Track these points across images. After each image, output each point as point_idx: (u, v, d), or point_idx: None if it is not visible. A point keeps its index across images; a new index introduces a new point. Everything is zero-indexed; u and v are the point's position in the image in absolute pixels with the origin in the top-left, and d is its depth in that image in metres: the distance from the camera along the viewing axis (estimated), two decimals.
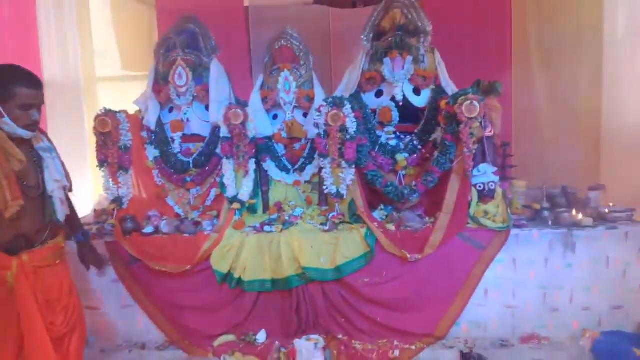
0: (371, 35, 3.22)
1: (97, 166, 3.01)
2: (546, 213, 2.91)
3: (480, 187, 2.90)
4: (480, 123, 2.84)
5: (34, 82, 2.10)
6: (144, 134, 3.33)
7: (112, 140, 2.95)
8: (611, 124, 3.67)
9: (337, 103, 2.87)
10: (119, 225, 2.92)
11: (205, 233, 2.91)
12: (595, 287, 2.78)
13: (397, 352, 2.73)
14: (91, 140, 3.86)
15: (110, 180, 3.00)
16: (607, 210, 2.90)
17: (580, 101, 3.92)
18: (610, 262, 2.77)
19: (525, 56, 4.20)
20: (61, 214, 2.26)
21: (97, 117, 2.95)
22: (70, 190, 2.38)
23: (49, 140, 2.27)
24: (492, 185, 2.89)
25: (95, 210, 3.30)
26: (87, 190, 4.10)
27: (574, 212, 2.87)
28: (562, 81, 4.02)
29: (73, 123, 4.27)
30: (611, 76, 3.66)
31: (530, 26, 4.16)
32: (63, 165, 2.34)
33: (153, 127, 3.32)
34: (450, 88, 3.14)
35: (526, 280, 2.79)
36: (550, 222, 2.86)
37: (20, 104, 2.04)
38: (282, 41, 3.30)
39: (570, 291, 2.79)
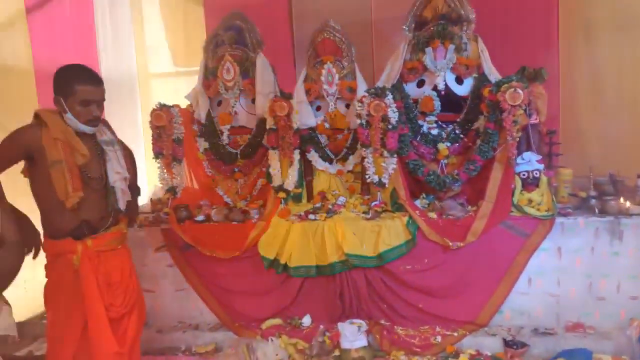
0: (413, 25, 3.23)
1: (153, 158, 3.20)
2: (593, 201, 2.86)
3: (524, 175, 2.89)
4: (525, 110, 2.82)
5: (93, 79, 2.22)
6: (195, 127, 3.50)
7: (167, 134, 3.12)
8: None
9: (378, 93, 2.92)
10: (173, 214, 3.11)
11: (253, 221, 3.05)
12: None
13: (439, 338, 2.78)
14: (145, 134, 4.11)
15: (165, 171, 3.18)
16: None
17: (629, 86, 3.79)
18: None
19: (573, 40, 4.06)
20: (122, 203, 2.40)
21: (153, 111, 3.13)
22: (135, 183, 2.52)
23: (113, 133, 2.42)
24: (536, 174, 2.87)
25: (151, 200, 3.51)
26: (143, 181, 4.35)
27: (621, 199, 2.81)
28: (610, 66, 3.89)
29: (128, 117, 4.54)
30: None
31: (579, 8, 4.02)
32: (131, 156, 2.49)
33: (203, 120, 3.48)
34: (494, 76, 3.12)
35: (571, 269, 2.77)
36: (596, 211, 2.81)
37: (80, 100, 2.15)
38: (325, 34, 3.36)
39: (617, 280, 2.75)
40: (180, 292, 3.13)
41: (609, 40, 3.85)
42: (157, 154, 3.16)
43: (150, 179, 4.24)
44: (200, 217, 3.13)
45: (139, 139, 4.48)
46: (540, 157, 2.93)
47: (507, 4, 3.99)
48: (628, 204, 2.78)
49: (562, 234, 2.77)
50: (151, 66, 4.95)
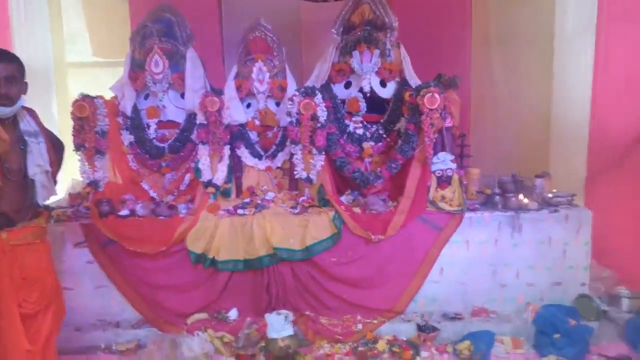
0: (341, 28, 3.38)
1: (74, 150, 3.07)
2: (497, 198, 3.16)
3: (438, 173, 3.13)
4: (440, 114, 3.05)
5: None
6: (120, 119, 3.39)
7: (90, 125, 3.01)
8: (560, 116, 3.94)
9: (308, 93, 3.04)
10: (94, 208, 3.00)
11: (181, 216, 3.03)
12: (539, 264, 3.05)
13: (360, 326, 2.94)
14: (60, 126, 3.90)
15: (87, 164, 3.06)
16: (550, 195, 3.19)
17: (533, 95, 4.19)
18: (552, 242, 3.04)
19: (484, 51, 4.44)
20: (42, 197, 2.32)
21: (75, 102, 3.01)
22: (54, 177, 2.42)
23: (38, 124, 2.32)
24: (449, 172, 3.12)
25: (69, 194, 3.36)
26: (60, 175, 4.13)
27: (520, 196, 3.14)
28: (517, 75, 4.29)
29: (42, 108, 4.24)
30: (561, 71, 3.90)
31: (489, 21, 4.40)
32: (58, 149, 2.39)
33: (129, 113, 3.39)
34: (414, 81, 3.35)
35: (478, 259, 3.04)
36: (500, 206, 3.12)
37: None
38: (257, 32, 3.42)
39: (516, 268, 3.06)
40: (100, 289, 3.03)
41: (516, 53, 4.25)
42: (79, 146, 3.05)
43: (67, 173, 4.05)
44: (124, 212, 3.05)
45: (53, 130, 4.24)
46: (453, 157, 3.20)
47: (427, 15, 4.27)
48: (526, 200, 3.11)
49: (470, 227, 3.03)
50: (69, 56, 4.70)
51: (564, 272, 3.06)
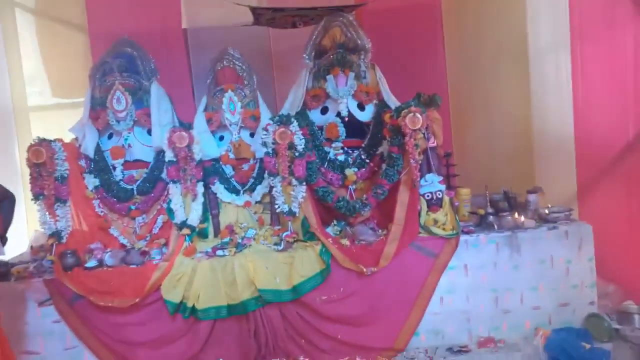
0: (313, 53, 3.28)
1: (32, 199, 2.82)
2: (491, 218, 3.02)
3: (428, 196, 2.97)
4: (424, 134, 2.93)
5: None
6: (83, 162, 3.16)
7: (48, 171, 2.79)
8: (541, 130, 3.92)
9: (284, 121, 2.88)
10: (58, 261, 2.76)
11: (154, 262, 2.80)
12: (542, 286, 2.90)
13: None
14: (24, 173, 3.64)
15: (47, 213, 2.82)
16: (547, 212, 3.05)
17: (512, 109, 4.15)
18: (554, 260, 2.90)
19: (459, 69, 4.40)
20: None
21: (30, 147, 2.80)
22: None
23: None
24: (439, 194, 2.97)
25: (32, 247, 3.09)
26: (22, 226, 3.84)
27: (516, 215, 2.99)
28: (494, 91, 4.25)
29: (4, 155, 4.02)
30: (538, 86, 3.92)
31: (461, 40, 4.37)
32: (10, 202, 2.14)
33: (92, 155, 3.17)
34: (392, 102, 3.23)
35: (478, 284, 2.87)
36: (495, 227, 2.97)
37: None
38: (224, 62, 3.27)
39: (519, 292, 2.89)
40: (70, 350, 2.77)
41: (490, 70, 4.21)
42: (37, 195, 2.80)
43: (30, 224, 3.77)
44: (91, 263, 2.80)
45: (16, 178, 3.96)
46: (441, 178, 3.05)
47: (399, 35, 4.22)
48: (522, 218, 2.97)
49: (467, 251, 2.87)
50: (30, 98, 4.45)
51: (569, 292, 2.91)
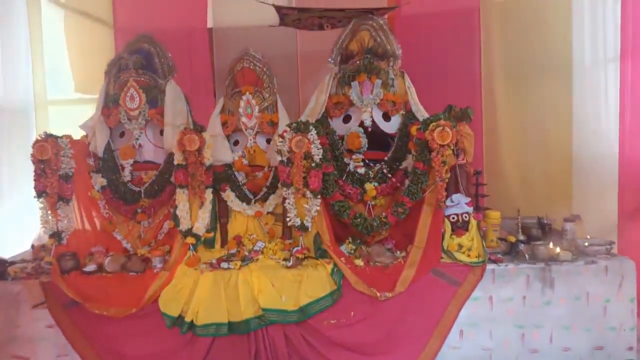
0: (339, 58, 3.11)
1: (35, 197, 2.71)
2: (522, 246, 2.76)
3: (453, 218, 2.74)
4: (453, 150, 2.73)
5: None
6: (91, 161, 3.05)
7: (52, 169, 2.68)
8: (582, 152, 3.65)
9: (301, 128, 2.70)
10: (56, 263, 2.64)
11: (155, 271, 2.65)
12: (575, 325, 2.63)
13: None
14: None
15: (49, 212, 2.71)
16: (586, 244, 2.77)
17: (551, 129, 3.88)
18: (591, 298, 2.63)
19: (495, 82, 4.13)
20: None
21: (36, 142, 2.70)
22: None
23: None
24: (465, 217, 2.74)
25: (33, 246, 2.98)
26: (32, 224, 3.77)
27: (551, 245, 2.72)
28: (532, 108, 3.96)
29: (22, 147, 3.96)
30: (581, 105, 3.66)
31: (500, 52, 4.11)
32: None
33: (101, 154, 3.05)
34: (421, 114, 3.03)
35: (503, 319, 2.63)
36: (527, 256, 2.71)
37: None
38: (244, 63, 3.12)
39: (549, 330, 2.63)
40: (62, 358, 2.63)
41: (530, 85, 3.94)
42: (40, 193, 2.69)
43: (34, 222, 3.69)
44: (90, 268, 2.66)
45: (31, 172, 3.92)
46: (469, 199, 2.81)
47: (433, 42, 4.01)
48: (558, 249, 2.70)
49: (493, 281, 2.63)
50: (50, 92, 4.41)
51: (606, 334, 2.63)
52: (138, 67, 3.04)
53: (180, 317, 2.55)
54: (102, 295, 2.57)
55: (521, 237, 2.83)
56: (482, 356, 2.63)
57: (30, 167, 3.89)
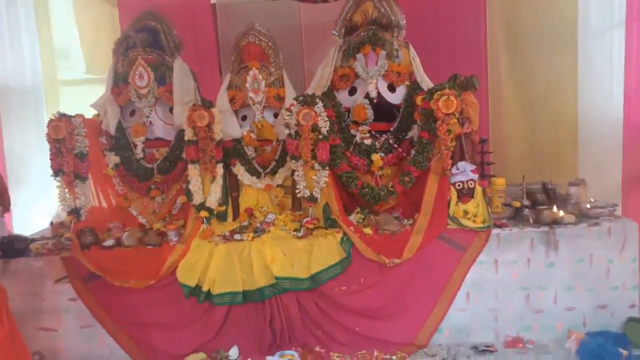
0: (343, 30, 3.11)
1: (52, 176, 2.80)
2: (526, 211, 2.82)
3: (459, 185, 2.79)
4: (458, 119, 2.76)
5: None
6: (104, 139, 3.13)
7: (67, 147, 2.76)
8: (588, 118, 3.65)
9: (308, 101, 2.74)
10: (76, 239, 2.73)
11: (171, 244, 2.75)
12: (579, 286, 2.70)
13: None
14: None
15: (67, 190, 2.80)
16: (588, 206, 2.82)
17: (556, 95, 3.88)
18: (594, 260, 2.69)
19: (501, 50, 4.12)
20: None
21: (50, 122, 2.77)
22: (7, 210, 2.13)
23: None
24: (471, 184, 2.78)
25: (52, 224, 3.08)
26: (47, 203, 3.87)
27: (554, 209, 2.77)
28: (537, 75, 3.97)
29: (33, 130, 4.04)
30: (586, 70, 3.63)
31: (505, 19, 4.08)
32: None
33: (113, 132, 3.12)
34: (426, 84, 3.04)
35: (508, 282, 2.70)
36: (531, 221, 2.76)
37: None
38: (250, 38, 3.13)
39: (553, 291, 2.71)
40: (86, 329, 2.75)
41: (535, 52, 3.92)
42: (57, 172, 2.78)
43: (55, 199, 3.79)
44: (108, 242, 2.77)
45: (44, 153, 3.99)
46: (474, 166, 2.85)
47: (437, 12, 3.98)
48: (561, 213, 2.75)
49: (498, 246, 2.70)
50: (60, 72, 4.46)
51: (608, 294, 2.70)
52: (145, 45, 3.07)
53: (197, 287, 2.66)
54: (121, 268, 2.67)
55: (526, 203, 2.88)
56: (488, 317, 2.72)
57: (43, 148, 4.00)
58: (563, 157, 3.74)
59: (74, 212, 2.81)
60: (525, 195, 2.95)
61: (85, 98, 4.30)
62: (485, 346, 2.66)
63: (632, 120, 3.19)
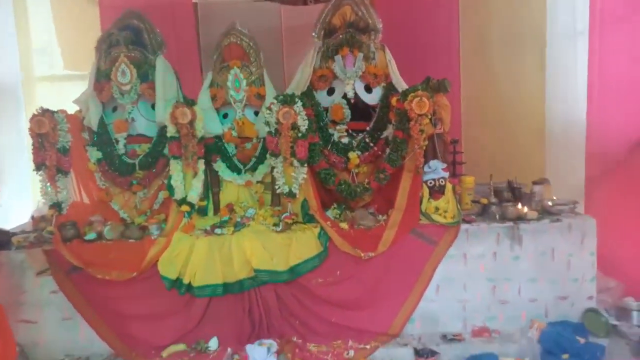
0: (322, 32, 3.22)
1: (34, 170, 2.84)
2: (493, 207, 2.96)
3: (431, 183, 2.92)
4: (430, 120, 2.88)
5: None
6: (86, 134, 3.16)
7: (50, 142, 2.80)
8: (555, 119, 3.81)
9: (288, 100, 2.83)
10: (58, 232, 2.77)
11: (152, 238, 2.81)
12: (542, 278, 2.85)
13: (352, 353, 2.70)
14: (30, 144, 3.67)
15: (49, 184, 2.83)
16: (550, 204, 2.99)
17: (525, 98, 4.04)
18: (556, 253, 2.85)
19: (473, 54, 4.28)
20: None
21: (33, 117, 2.80)
22: None
23: None
24: (442, 182, 2.92)
25: (33, 217, 3.10)
26: (27, 196, 3.88)
27: (519, 205, 2.93)
28: (508, 79, 4.13)
29: (10, 125, 4.03)
30: (554, 75, 3.80)
31: (477, 25, 4.24)
32: None
33: (95, 128, 3.15)
34: (401, 85, 3.16)
35: (476, 274, 2.84)
36: (497, 217, 2.91)
37: None
38: (231, 38, 3.21)
39: (518, 283, 2.85)
40: (67, 321, 2.79)
41: (506, 56, 4.09)
42: (39, 166, 2.82)
43: (35, 194, 3.80)
44: (90, 236, 2.81)
45: (22, 148, 3.99)
46: (445, 165, 2.99)
47: (412, 16, 4.11)
48: (525, 209, 2.91)
49: (467, 240, 2.83)
50: (38, 68, 4.45)
51: (569, 286, 2.87)
52: (128, 43, 3.12)
53: (178, 280, 2.72)
54: (103, 260, 2.72)
55: (493, 200, 3.03)
56: (456, 308, 2.85)
57: (21, 144, 3.99)
58: (530, 158, 3.89)
59: (56, 205, 2.85)
60: (492, 193, 3.10)
61: (63, 94, 4.35)
62: (454, 335, 2.80)
63: (594, 122, 3.36)
